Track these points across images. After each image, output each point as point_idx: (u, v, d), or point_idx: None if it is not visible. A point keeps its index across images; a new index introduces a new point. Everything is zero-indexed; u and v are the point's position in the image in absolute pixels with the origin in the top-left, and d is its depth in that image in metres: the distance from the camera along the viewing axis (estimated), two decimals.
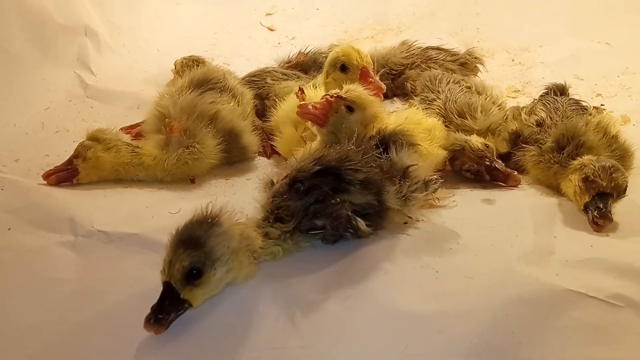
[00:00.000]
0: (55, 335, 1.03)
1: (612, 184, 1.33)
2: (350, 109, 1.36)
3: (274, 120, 1.71)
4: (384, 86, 1.58)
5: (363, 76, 1.57)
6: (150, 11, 2.51)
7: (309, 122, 1.38)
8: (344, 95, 1.36)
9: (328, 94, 1.39)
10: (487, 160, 1.51)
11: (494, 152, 1.55)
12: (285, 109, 1.66)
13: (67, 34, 1.99)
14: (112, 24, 2.24)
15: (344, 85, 1.47)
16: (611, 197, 1.33)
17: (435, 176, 1.30)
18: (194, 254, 1.00)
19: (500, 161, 1.55)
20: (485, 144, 1.55)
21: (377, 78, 1.60)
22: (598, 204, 1.31)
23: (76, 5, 2.05)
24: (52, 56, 1.93)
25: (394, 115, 1.61)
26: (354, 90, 1.39)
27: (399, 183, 1.22)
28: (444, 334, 0.97)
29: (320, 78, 1.75)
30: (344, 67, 1.60)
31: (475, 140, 1.55)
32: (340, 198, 1.15)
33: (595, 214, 1.30)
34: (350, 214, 1.15)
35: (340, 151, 1.20)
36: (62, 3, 1.99)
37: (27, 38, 1.86)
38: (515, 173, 1.53)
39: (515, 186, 1.52)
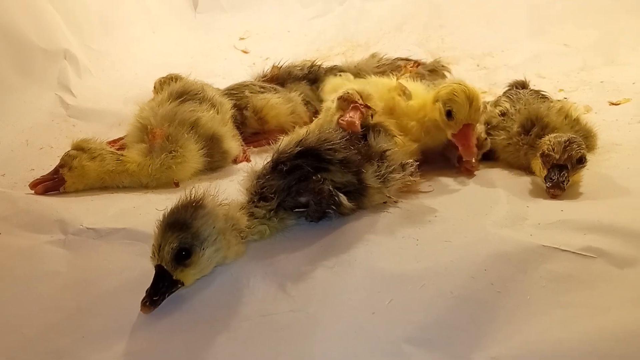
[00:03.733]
0: (50, 321, 1.04)
1: (566, 156, 1.40)
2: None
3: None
4: (475, 153, 1.51)
5: (462, 134, 1.48)
6: (126, 38, 2.59)
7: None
8: (370, 105, 1.44)
9: (355, 102, 1.41)
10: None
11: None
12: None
13: (47, 58, 2.05)
14: (90, 49, 2.31)
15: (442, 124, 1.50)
16: (565, 169, 1.40)
17: (411, 160, 1.37)
18: (182, 235, 1.03)
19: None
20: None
21: (475, 141, 1.51)
22: (551, 175, 1.39)
23: (55, 31, 2.12)
24: (33, 79, 1.98)
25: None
26: (373, 97, 1.47)
27: (377, 164, 1.29)
28: (426, 288, 1.02)
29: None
30: (449, 113, 1.49)
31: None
32: (321, 176, 1.20)
33: (547, 185, 1.38)
34: (332, 188, 1.20)
35: (320, 134, 1.26)
36: (41, 28, 2.05)
37: (9, 61, 1.91)
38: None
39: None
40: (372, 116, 1.46)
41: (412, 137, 1.59)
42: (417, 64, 1.65)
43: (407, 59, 2.35)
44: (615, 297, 1.00)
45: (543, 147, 1.44)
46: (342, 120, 1.36)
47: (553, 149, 1.42)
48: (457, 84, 1.53)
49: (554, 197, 1.37)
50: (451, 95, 1.49)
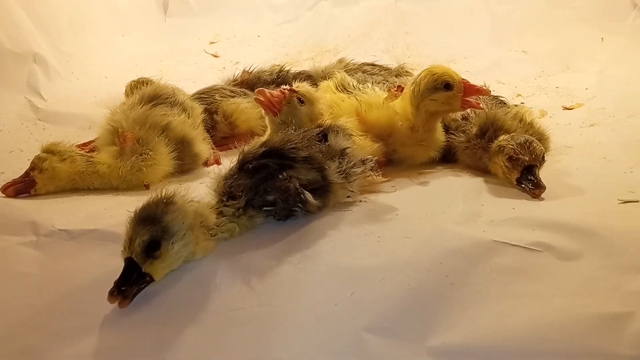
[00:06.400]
0: (22, 319, 1.07)
1: (533, 156, 1.49)
2: (300, 101, 1.50)
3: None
4: (489, 89, 1.67)
5: (468, 87, 1.59)
6: (96, 40, 2.60)
7: (264, 110, 1.51)
8: (296, 89, 1.51)
9: (281, 88, 1.54)
10: None
11: None
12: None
13: (16, 61, 2.06)
14: (59, 51, 2.32)
15: (445, 104, 1.60)
16: (536, 167, 1.49)
17: (370, 156, 1.44)
18: (153, 228, 1.08)
19: None
20: None
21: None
22: (529, 177, 1.47)
23: (24, 33, 2.13)
24: (2, 82, 1.99)
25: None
26: (304, 86, 1.55)
27: (339, 161, 1.36)
28: (386, 281, 1.09)
29: (402, 101, 1.69)
30: (448, 85, 1.58)
31: None
32: (287, 174, 1.26)
33: (531, 187, 1.45)
34: (298, 186, 1.26)
35: (283, 134, 1.33)
36: (10, 30, 2.06)
37: None
38: None
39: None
40: (300, 100, 1.54)
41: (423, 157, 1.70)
42: (401, 88, 1.74)
43: (373, 64, 2.43)
44: (559, 288, 1.08)
45: (508, 152, 1.51)
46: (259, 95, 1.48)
47: (520, 152, 1.49)
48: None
49: (537, 196, 1.44)
50: (433, 74, 1.60)
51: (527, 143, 1.51)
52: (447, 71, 1.61)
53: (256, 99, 1.52)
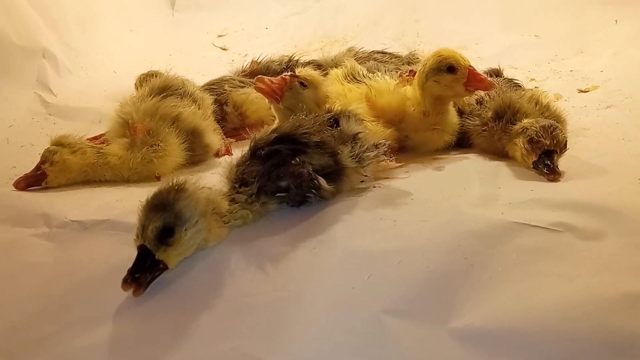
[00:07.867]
0: (37, 308, 1.07)
1: (555, 141, 1.46)
2: (303, 85, 1.48)
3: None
4: (495, 83, 1.62)
5: (472, 75, 1.56)
6: (104, 36, 2.61)
7: (266, 98, 1.49)
8: (297, 74, 1.48)
9: (283, 74, 1.51)
10: None
11: None
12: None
13: (26, 57, 2.07)
14: (68, 47, 2.33)
15: (448, 87, 1.57)
16: (555, 153, 1.46)
17: (383, 140, 1.42)
18: (165, 215, 1.06)
19: None
20: None
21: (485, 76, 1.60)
22: (546, 162, 1.44)
23: (33, 29, 2.14)
24: (12, 77, 2.00)
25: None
26: (306, 70, 1.52)
27: (351, 146, 1.33)
28: (403, 264, 1.06)
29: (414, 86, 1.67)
30: (452, 69, 1.56)
31: None
32: (300, 159, 1.24)
33: (546, 171, 1.42)
34: (311, 171, 1.24)
35: (294, 120, 1.31)
36: (19, 26, 2.07)
37: None
38: None
39: None
40: (303, 84, 1.52)
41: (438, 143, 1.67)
42: (413, 73, 1.72)
43: (382, 52, 2.40)
44: (581, 267, 1.05)
45: (530, 133, 1.48)
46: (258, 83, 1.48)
47: (542, 135, 1.46)
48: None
49: (553, 181, 1.41)
50: (439, 55, 1.57)
51: (551, 128, 1.48)
52: (454, 55, 1.58)
53: (256, 88, 1.51)
